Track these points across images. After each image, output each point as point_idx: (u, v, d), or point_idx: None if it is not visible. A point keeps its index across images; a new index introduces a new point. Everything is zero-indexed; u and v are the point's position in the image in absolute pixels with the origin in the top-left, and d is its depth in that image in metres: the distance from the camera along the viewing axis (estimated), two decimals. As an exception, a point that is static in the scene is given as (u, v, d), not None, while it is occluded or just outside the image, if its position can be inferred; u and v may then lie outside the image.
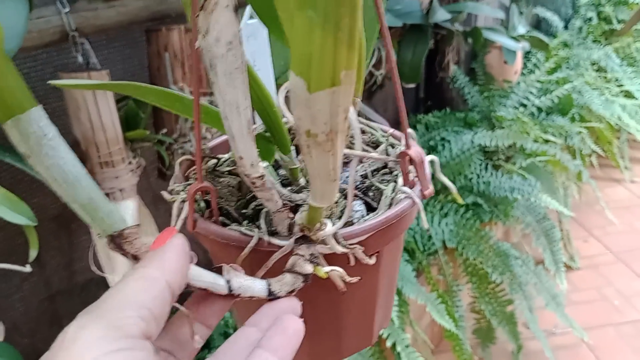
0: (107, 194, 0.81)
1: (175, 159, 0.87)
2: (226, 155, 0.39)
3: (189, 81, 0.81)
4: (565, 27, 2.44)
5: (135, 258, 0.22)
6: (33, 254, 0.63)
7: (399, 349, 1.09)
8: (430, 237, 1.38)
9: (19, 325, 0.93)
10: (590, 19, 2.41)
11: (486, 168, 1.54)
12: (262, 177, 0.26)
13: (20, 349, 0.70)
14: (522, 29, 1.73)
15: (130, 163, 0.77)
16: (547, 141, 1.66)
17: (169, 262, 0.23)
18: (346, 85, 0.15)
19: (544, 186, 1.55)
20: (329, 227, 0.27)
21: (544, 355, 1.33)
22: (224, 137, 0.42)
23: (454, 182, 1.52)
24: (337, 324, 0.34)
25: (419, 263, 1.35)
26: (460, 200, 0.41)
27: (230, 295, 0.25)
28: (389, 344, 1.09)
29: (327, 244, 0.28)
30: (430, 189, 0.34)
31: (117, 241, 0.22)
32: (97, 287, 1.05)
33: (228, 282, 0.24)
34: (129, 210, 0.26)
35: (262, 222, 0.29)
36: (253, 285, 0.25)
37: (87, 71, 0.69)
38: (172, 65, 0.78)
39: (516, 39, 1.61)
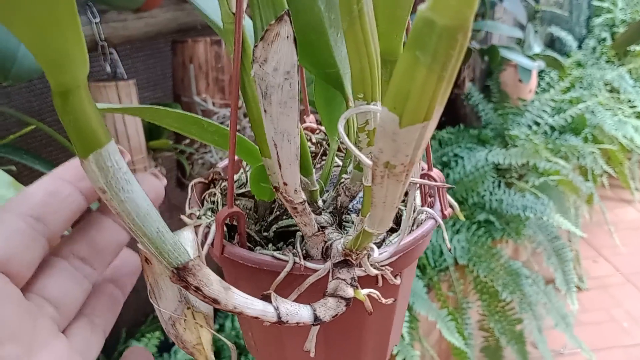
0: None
1: (195, 169, 0.87)
2: (235, 177, 0.38)
3: (211, 92, 0.82)
4: (579, 47, 2.44)
5: (198, 290, 0.22)
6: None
7: (408, 365, 1.08)
8: (441, 253, 1.38)
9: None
10: (604, 40, 2.41)
11: (499, 186, 1.54)
12: (303, 202, 0.26)
13: None
14: (537, 48, 1.73)
15: (151, 172, 0.78)
16: (557, 163, 1.65)
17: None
18: (435, 119, 0.16)
19: (556, 205, 1.55)
20: (376, 253, 0.27)
21: (552, 376, 1.32)
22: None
23: (466, 199, 1.52)
24: (357, 345, 0.34)
25: (430, 279, 1.34)
26: (462, 217, 0.41)
27: (279, 322, 0.25)
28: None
29: (361, 266, 0.28)
30: (449, 210, 0.34)
31: (182, 274, 0.21)
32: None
33: (276, 309, 0.24)
34: (187, 242, 0.26)
35: (297, 245, 0.29)
36: (300, 312, 0.25)
37: (115, 81, 0.70)
38: (197, 76, 0.79)
39: (532, 57, 1.61)
